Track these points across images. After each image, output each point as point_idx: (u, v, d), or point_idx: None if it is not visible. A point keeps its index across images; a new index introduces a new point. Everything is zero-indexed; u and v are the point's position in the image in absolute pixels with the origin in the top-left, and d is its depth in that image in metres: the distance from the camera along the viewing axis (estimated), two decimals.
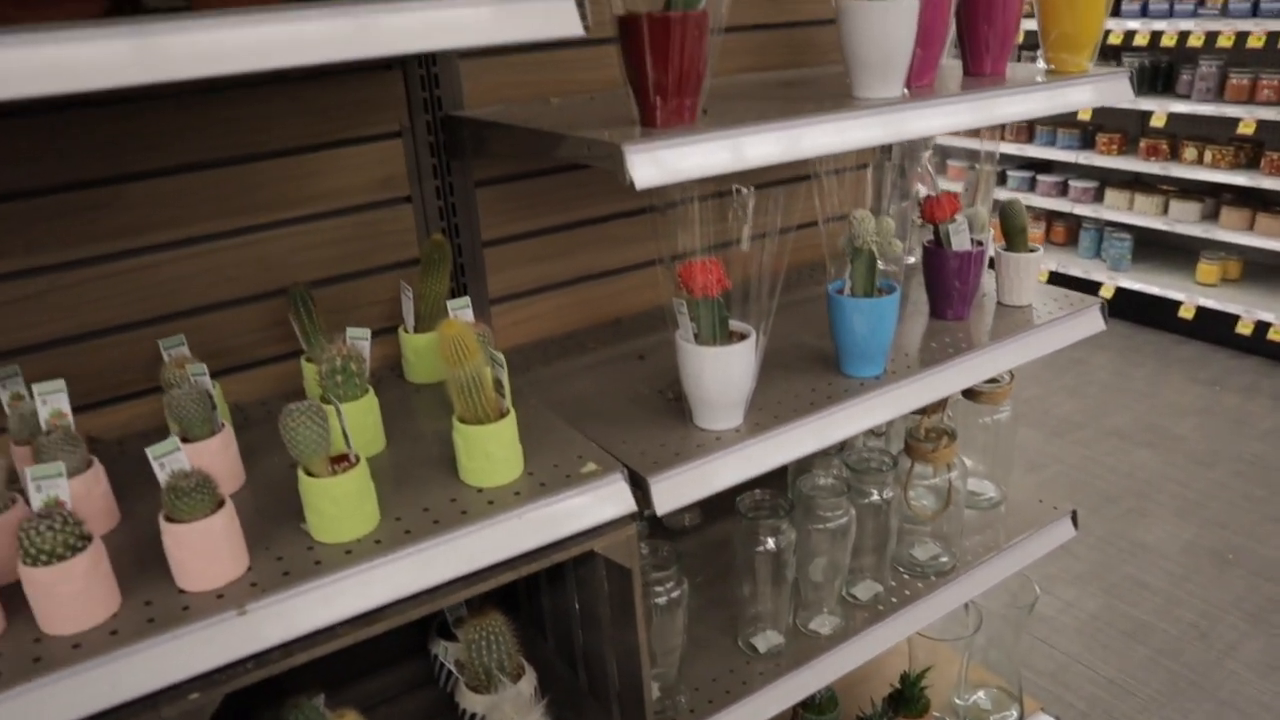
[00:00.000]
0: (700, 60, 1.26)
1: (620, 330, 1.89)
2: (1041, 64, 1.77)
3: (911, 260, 2.05)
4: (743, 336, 1.43)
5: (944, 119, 1.47)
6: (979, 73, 1.73)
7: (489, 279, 1.74)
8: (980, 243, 1.80)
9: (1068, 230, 6.45)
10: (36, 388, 1.23)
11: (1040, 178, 6.44)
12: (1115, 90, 1.72)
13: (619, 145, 1.17)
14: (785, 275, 1.42)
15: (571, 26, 1.07)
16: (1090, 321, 1.88)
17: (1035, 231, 6.06)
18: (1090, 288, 5.78)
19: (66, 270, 1.42)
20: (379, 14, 0.96)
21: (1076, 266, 6.13)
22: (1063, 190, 6.32)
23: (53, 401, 1.24)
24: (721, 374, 1.39)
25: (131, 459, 1.34)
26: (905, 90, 1.49)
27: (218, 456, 1.24)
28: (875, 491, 1.77)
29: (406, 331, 1.57)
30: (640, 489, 1.30)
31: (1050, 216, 6.51)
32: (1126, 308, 5.85)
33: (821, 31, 2.02)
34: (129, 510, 1.25)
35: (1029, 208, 4.67)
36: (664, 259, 1.42)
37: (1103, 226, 6.10)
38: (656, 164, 1.20)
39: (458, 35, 1.01)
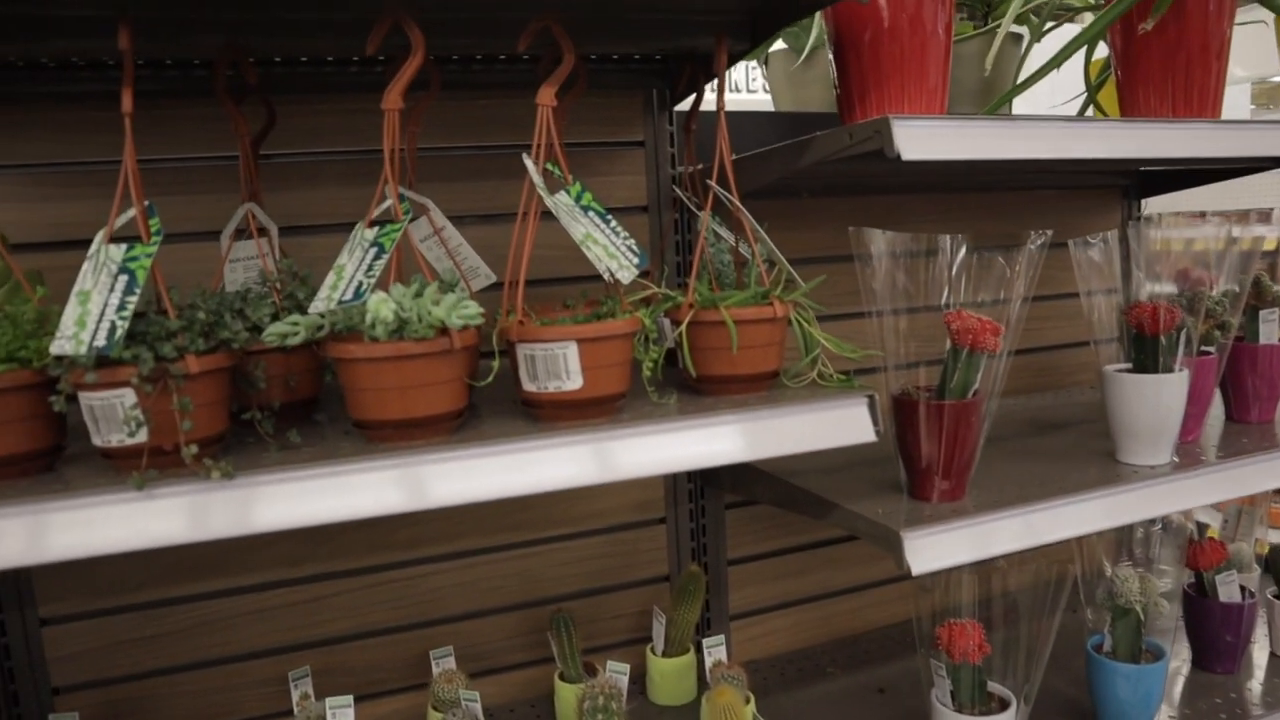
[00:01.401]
0: (973, 442, 1.29)
1: (858, 650, 1.86)
2: None
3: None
4: (1003, 703, 1.38)
5: (1212, 494, 1.43)
6: (1243, 420, 1.68)
7: (731, 595, 1.78)
8: (1252, 594, 1.70)
9: None
10: (329, 701, 1.33)
11: None
12: None
13: (898, 533, 1.20)
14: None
15: (863, 432, 1.13)
16: None
17: None
18: None
19: (352, 576, 1.56)
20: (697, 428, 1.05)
21: None
22: None
23: (341, 716, 1.33)
24: None
25: None
26: (1174, 458, 1.46)
27: None
28: None
29: (655, 654, 1.61)
30: None
31: None
32: None
33: (1068, 355, 2.03)
34: None
35: None
36: (920, 617, 1.41)
37: None
38: (932, 548, 1.21)
39: (755, 449, 1.08)
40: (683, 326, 1.12)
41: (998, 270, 1.31)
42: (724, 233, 1.40)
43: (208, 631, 1.51)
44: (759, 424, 1.08)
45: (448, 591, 1.62)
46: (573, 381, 1.03)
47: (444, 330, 0.98)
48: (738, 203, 1.17)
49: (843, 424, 1.12)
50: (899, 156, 1.10)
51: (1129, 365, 1.47)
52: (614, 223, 1.12)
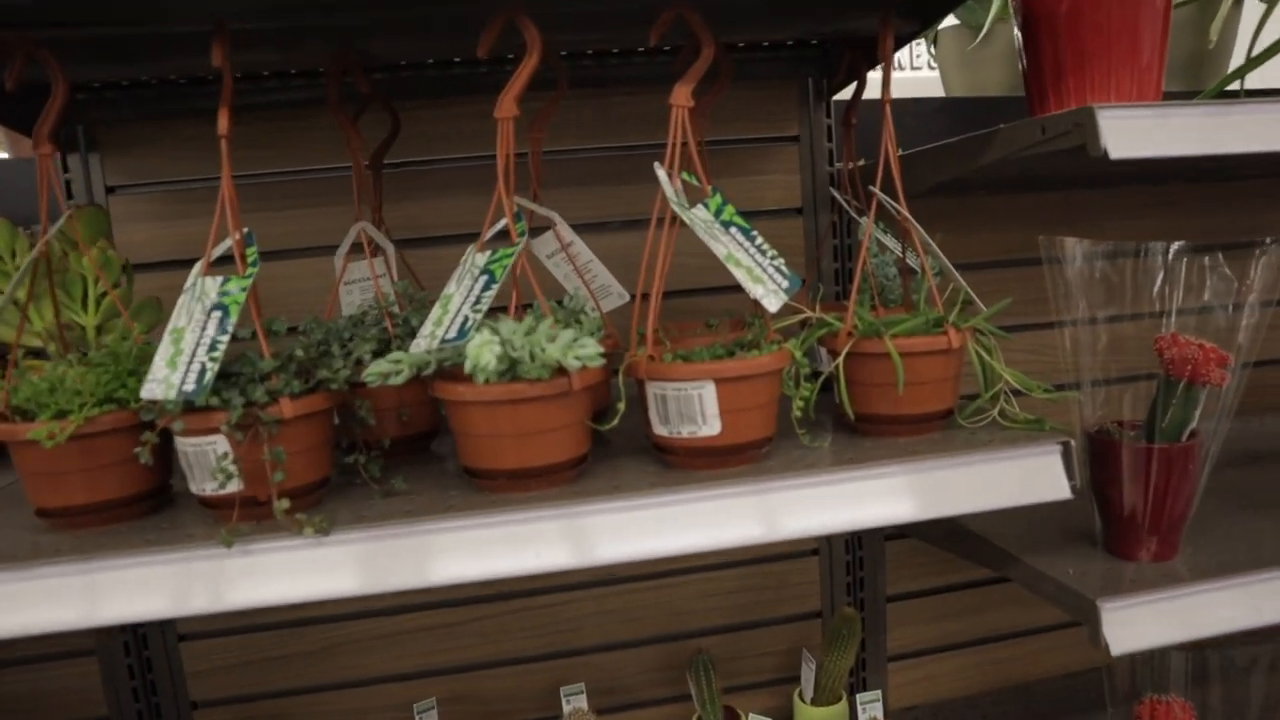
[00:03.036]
0: (1188, 493, 1.06)
1: (1030, 700, 1.63)
2: None
3: None
4: None
5: None
6: None
7: (889, 634, 1.58)
8: None
9: None
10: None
11: None
12: None
13: (1094, 603, 0.98)
14: None
15: (1055, 488, 0.92)
16: None
17: None
18: None
19: (486, 603, 1.45)
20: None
21: None
22: None
23: None
24: None
25: None
26: None
27: None
28: None
29: (803, 701, 1.44)
30: None
31: None
32: None
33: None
34: None
35: None
36: (1114, 686, 1.18)
37: None
38: (1137, 624, 0.99)
39: (922, 508, 0.90)
40: (839, 359, 0.95)
41: (1223, 280, 1.06)
42: (889, 241, 1.21)
43: (340, 654, 1.44)
44: (927, 477, 0.89)
45: (585, 621, 1.49)
46: (709, 426, 0.87)
47: (561, 370, 0.84)
48: (905, 213, 0.98)
49: (1029, 478, 0.92)
50: (1105, 155, 0.88)
51: None
52: (759, 239, 0.95)
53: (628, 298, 1.14)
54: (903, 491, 0.89)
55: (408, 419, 1.01)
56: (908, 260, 1.08)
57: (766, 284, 0.89)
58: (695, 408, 0.87)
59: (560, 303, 0.97)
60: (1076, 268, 1.08)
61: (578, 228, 1.15)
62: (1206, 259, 1.04)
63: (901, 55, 4.74)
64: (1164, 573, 1.04)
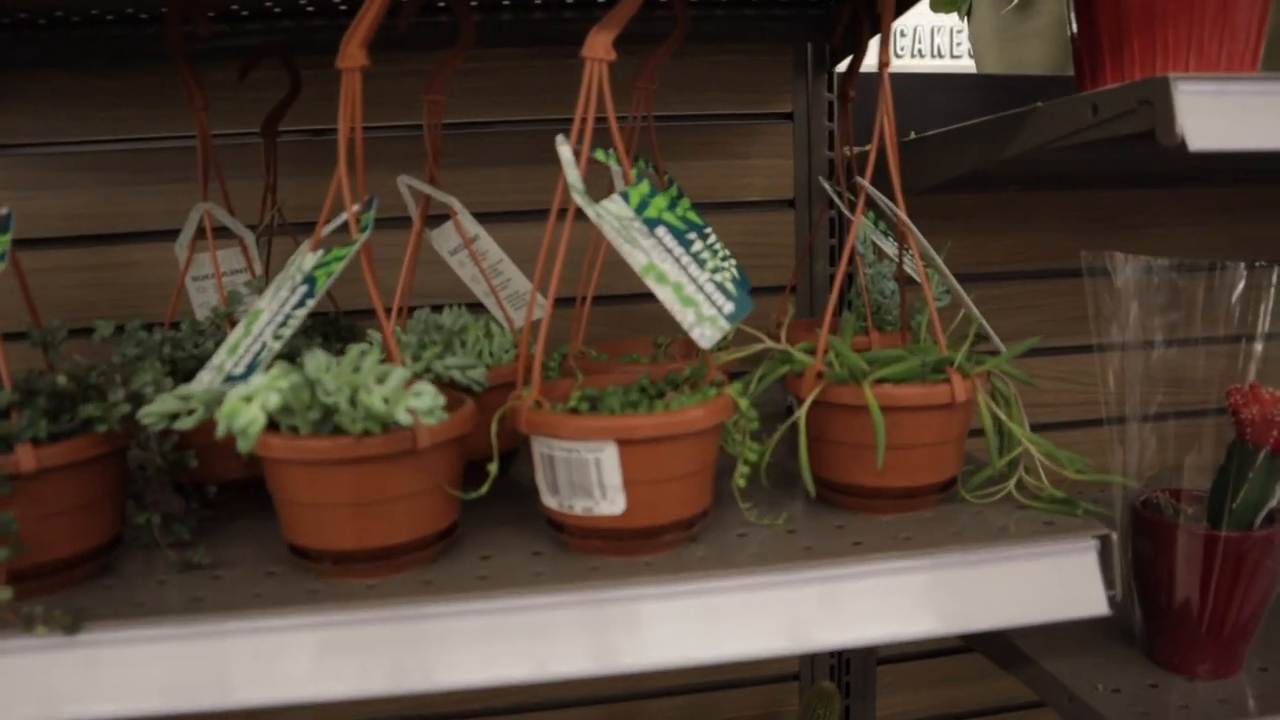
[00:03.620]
0: (1262, 592, 0.80)
1: None
2: None
3: None
4: None
5: None
6: None
7: (879, 701, 1.33)
8: None
9: None
10: None
11: None
12: None
13: None
14: None
15: (1086, 599, 0.67)
16: None
17: None
18: None
19: None
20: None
21: None
22: None
23: None
24: None
25: None
26: None
27: None
28: None
29: None
30: None
31: None
32: None
33: None
34: None
35: None
36: None
37: None
38: None
39: (884, 626, 0.65)
40: (802, 411, 0.69)
41: None
42: (888, 246, 0.95)
43: None
44: (903, 581, 0.64)
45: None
46: (611, 502, 0.63)
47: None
48: (900, 211, 0.72)
49: (1051, 585, 0.67)
50: (1182, 143, 0.62)
51: None
52: (711, 241, 0.70)
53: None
54: (848, 603, 0.64)
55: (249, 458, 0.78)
56: (907, 270, 0.82)
57: (700, 307, 0.64)
58: (591, 477, 0.62)
59: (438, 326, 0.73)
60: (1129, 287, 0.82)
61: (500, 216, 0.91)
62: None
63: (943, 42, 4.37)
64: (1222, 697, 0.79)
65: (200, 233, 0.83)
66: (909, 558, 0.64)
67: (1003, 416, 0.71)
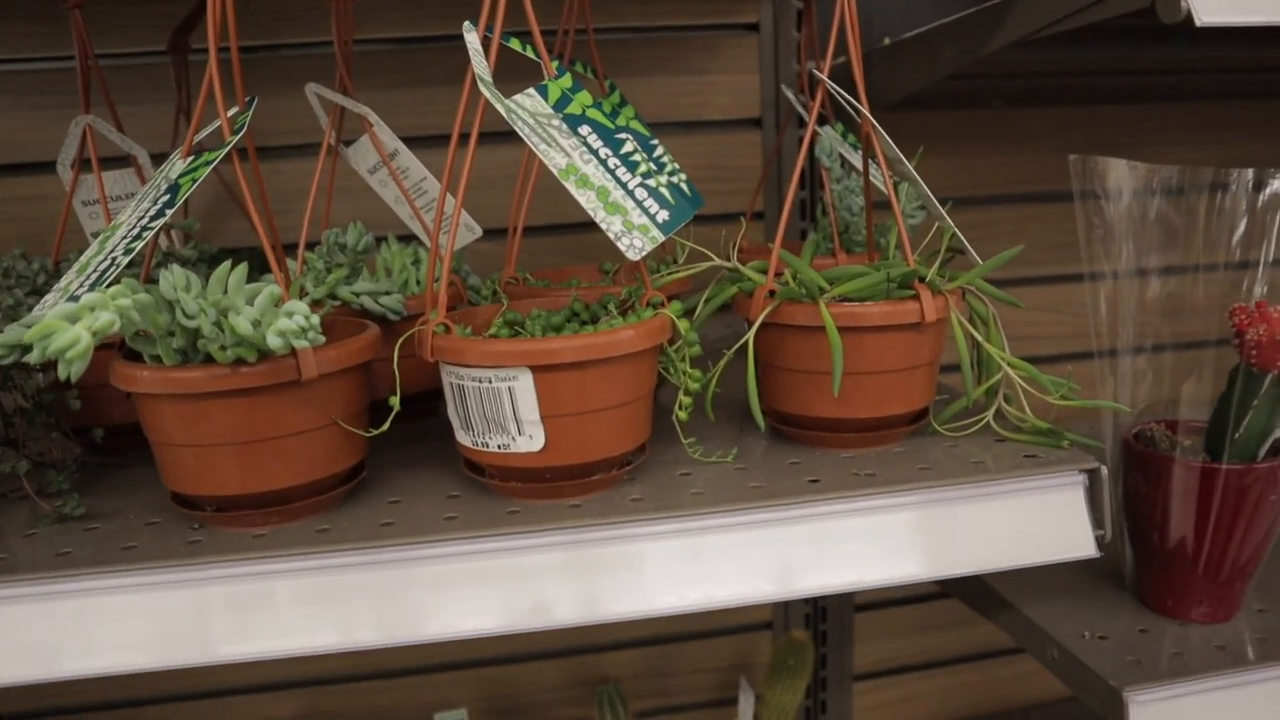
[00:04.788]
0: (1263, 533, 0.72)
1: None
2: None
3: None
4: None
5: None
6: None
7: (857, 649, 1.27)
8: None
9: None
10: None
11: None
12: None
13: (1118, 692, 0.66)
14: None
15: (1073, 540, 0.59)
16: None
17: None
18: None
19: None
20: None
21: None
22: None
23: None
24: None
25: None
26: None
27: None
28: None
29: None
30: None
31: None
32: None
33: None
34: None
35: None
36: None
37: None
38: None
39: (835, 574, 0.57)
40: (750, 333, 0.61)
41: None
42: (856, 159, 0.86)
43: None
44: (865, 522, 0.57)
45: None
46: (528, 438, 0.55)
47: (292, 350, 0.51)
48: (862, 107, 0.63)
49: (1033, 525, 0.59)
50: (1188, 17, 0.53)
51: None
52: (658, 152, 0.62)
53: (479, 231, 0.80)
54: (808, 544, 0.56)
55: None
56: (874, 182, 0.73)
57: (629, 215, 0.55)
58: (505, 409, 0.54)
59: (335, 242, 0.64)
60: (1122, 199, 0.74)
61: (440, 140, 0.81)
62: None
63: None
64: (1219, 642, 0.72)
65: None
66: (869, 497, 0.56)
67: (979, 338, 0.62)
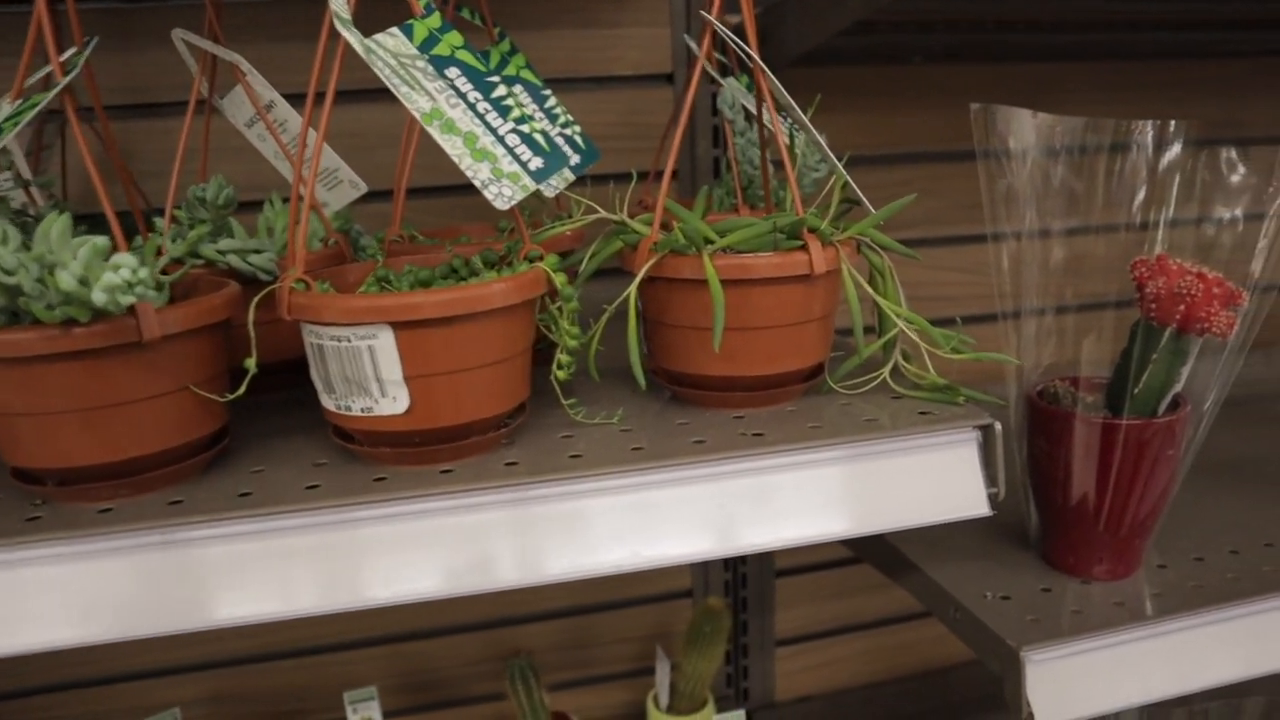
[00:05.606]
0: (1160, 486, 0.72)
1: (941, 688, 1.34)
2: None
3: None
4: None
5: None
6: None
7: (778, 615, 1.27)
8: None
9: None
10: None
11: None
12: None
13: (1015, 652, 0.65)
14: None
15: (965, 498, 0.58)
16: None
17: None
18: None
19: None
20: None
21: None
22: None
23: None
24: None
25: None
26: None
27: None
28: None
29: (658, 708, 1.12)
30: None
31: None
32: None
33: None
34: None
35: None
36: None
37: None
38: (1076, 682, 0.67)
39: (721, 541, 0.55)
40: (632, 287, 0.58)
41: (1234, 180, 0.71)
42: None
43: None
44: (743, 485, 0.55)
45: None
46: (392, 401, 0.52)
47: (131, 310, 0.47)
48: (751, 51, 0.60)
49: (923, 481, 0.58)
50: None
51: None
52: (549, 103, 0.60)
53: (364, 188, 0.76)
54: (695, 507, 0.54)
55: None
56: (767, 129, 0.70)
57: (499, 162, 0.52)
58: (366, 369, 0.51)
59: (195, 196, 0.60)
60: (1025, 152, 0.72)
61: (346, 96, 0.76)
62: (1227, 153, 0.68)
63: None
64: (1118, 599, 0.72)
65: None
66: (750, 458, 0.54)
67: (870, 290, 0.60)
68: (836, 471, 0.55)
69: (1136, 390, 0.70)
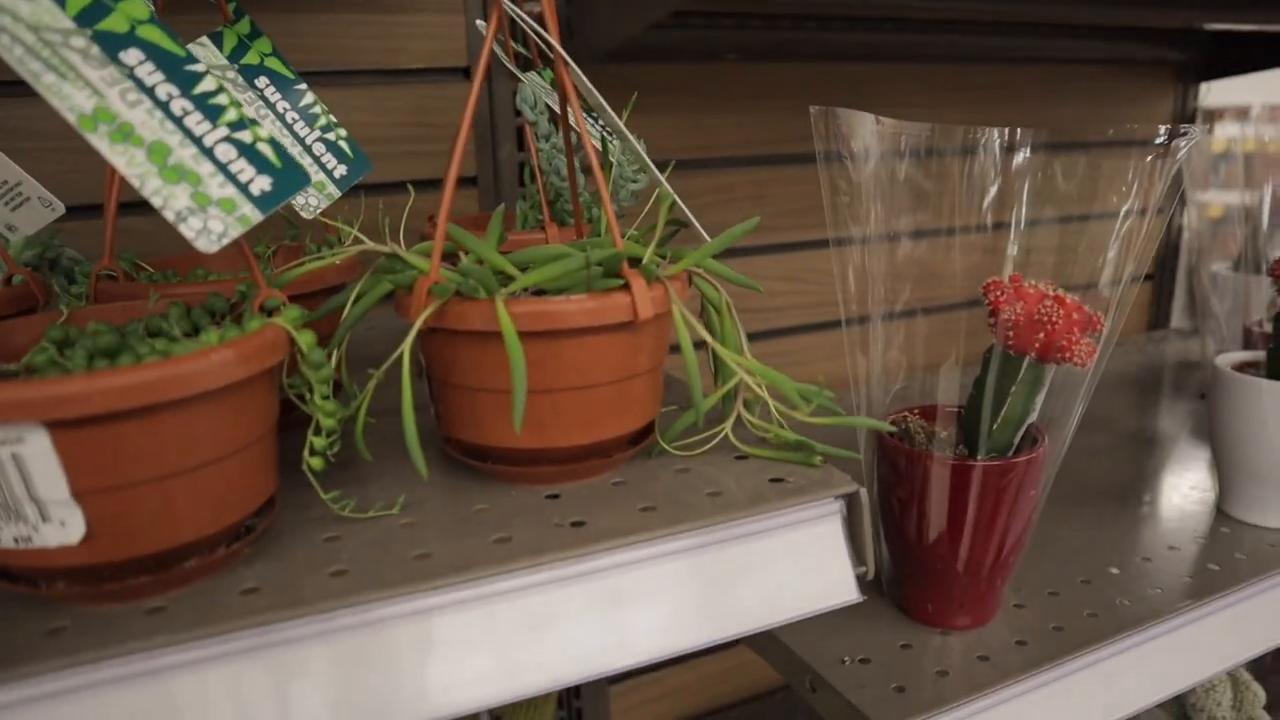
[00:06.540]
0: (1020, 527, 0.65)
1: (793, 707, 1.27)
2: None
3: None
4: None
5: None
6: None
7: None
8: None
9: None
10: None
11: None
12: None
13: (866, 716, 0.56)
14: None
15: (834, 588, 0.47)
16: None
17: None
18: None
19: None
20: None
21: None
22: None
23: None
24: None
25: None
26: None
27: None
28: None
29: None
30: None
31: None
32: None
33: None
34: None
35: None
36: None
37: None
38: None
39: (508, 682, 0.43)
40: (406, 343, 0.44)
41: (1083, 185, 0.65)
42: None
43: None
44: (538, 601, 0.42)
45: None
46: (59, 525, 0.36)
47: None
48: (550, 38, 0.47)
49: (781, 570, 0.47)
50: None
51: (1258, 360, 0.83)
52: (305, 101, 0.45)
53: (60, 208, 0.58)
54: (496, 636, 0.41)
55: None
56: (572, 128, 0.58)
57: (203, 185, 0.37)
58: (13, 487, 0.35)
59: None
60: (869, 158, 0.63)
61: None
62: (1069, 158, 0.61)
63: None
64: (983, 653, 0.64)
65: None
66: (570, 561, 0.41)
67: (709, 338, 0.49)
68: (681, 568, 0.43)
69: (995, 426, 0.62)
